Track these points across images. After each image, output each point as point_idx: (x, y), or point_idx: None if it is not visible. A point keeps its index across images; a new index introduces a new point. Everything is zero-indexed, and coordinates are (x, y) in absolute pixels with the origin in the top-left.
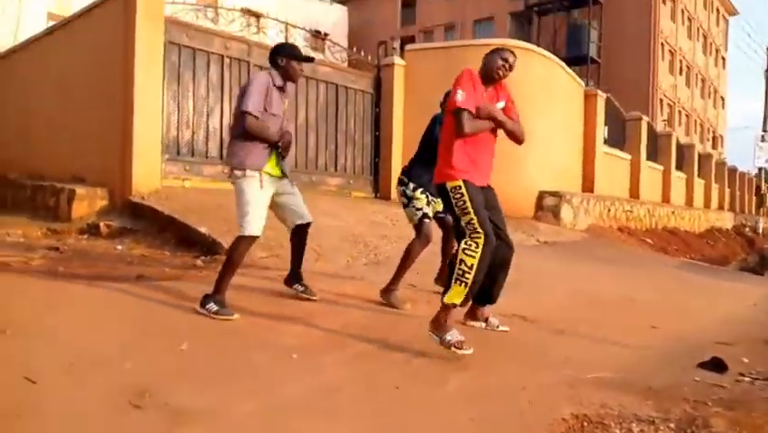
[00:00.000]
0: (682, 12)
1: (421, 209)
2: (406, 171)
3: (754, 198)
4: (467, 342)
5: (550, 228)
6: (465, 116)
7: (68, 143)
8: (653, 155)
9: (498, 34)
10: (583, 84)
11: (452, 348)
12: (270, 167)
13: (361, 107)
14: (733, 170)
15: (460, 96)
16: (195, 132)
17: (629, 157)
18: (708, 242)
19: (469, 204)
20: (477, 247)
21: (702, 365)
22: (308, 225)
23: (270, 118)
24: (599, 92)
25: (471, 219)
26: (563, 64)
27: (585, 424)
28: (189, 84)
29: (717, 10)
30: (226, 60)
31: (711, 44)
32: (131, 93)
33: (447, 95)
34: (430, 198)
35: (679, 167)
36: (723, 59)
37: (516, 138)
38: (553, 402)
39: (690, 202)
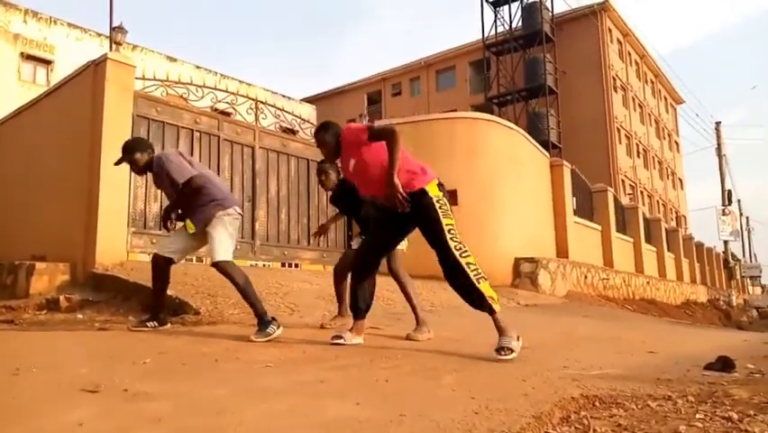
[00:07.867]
0: (633, 99)
1: None
2: None
3: (723, 271)
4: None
5: (529, 294)
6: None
7: (28, 225)
8: (621, 228)
9: None
10: (548, 155)
11: None
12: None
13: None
14: (700, 246)
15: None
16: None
17: (599, 227)
18: (686, 312)
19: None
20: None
21: (709, 366)
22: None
23: None
24: (565, 162)
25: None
26: (527, 135)
27: (597, 403)
28: None
29: (665, 98)
30: (196, 134)
31: (663, 129)
32: (97, 165)
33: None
34: None
35: (647, 241)
36: (677, 143)
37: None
38: (558, 387)
39: (662, 274)
